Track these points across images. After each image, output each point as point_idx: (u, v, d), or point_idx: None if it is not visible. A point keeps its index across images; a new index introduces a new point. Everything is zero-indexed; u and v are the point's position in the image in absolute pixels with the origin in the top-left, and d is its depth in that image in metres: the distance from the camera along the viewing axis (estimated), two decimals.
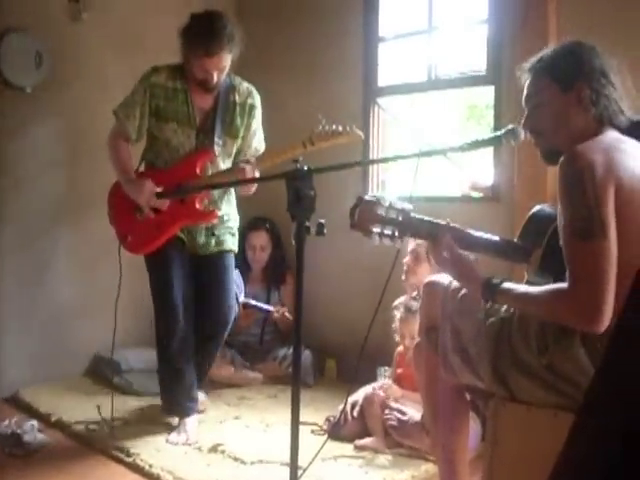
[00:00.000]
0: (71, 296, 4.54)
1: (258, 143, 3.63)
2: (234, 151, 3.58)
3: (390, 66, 4.75)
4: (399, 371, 3.62)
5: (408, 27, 4.64)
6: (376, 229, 2.21)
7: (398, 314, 3.53)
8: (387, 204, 2.21)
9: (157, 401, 3.88)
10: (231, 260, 3.72)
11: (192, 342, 3.61)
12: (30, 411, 3.87)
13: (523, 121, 2.21)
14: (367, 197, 2.26)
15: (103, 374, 4.44)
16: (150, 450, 3.33)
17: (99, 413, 3.64)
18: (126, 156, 3.52)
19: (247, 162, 3.39)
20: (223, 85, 3.47)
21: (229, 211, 3.69)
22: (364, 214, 2.22)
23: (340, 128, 3.10)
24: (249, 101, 3.55)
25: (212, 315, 3.64)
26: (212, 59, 3.28)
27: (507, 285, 2.03)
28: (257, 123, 3.61)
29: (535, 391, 2.04)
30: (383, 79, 4.70)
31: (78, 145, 4.55)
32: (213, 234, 3.61)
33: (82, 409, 3.83)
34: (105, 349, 4.47)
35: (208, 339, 3.71)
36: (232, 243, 3.70)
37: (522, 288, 2.02)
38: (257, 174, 3.38)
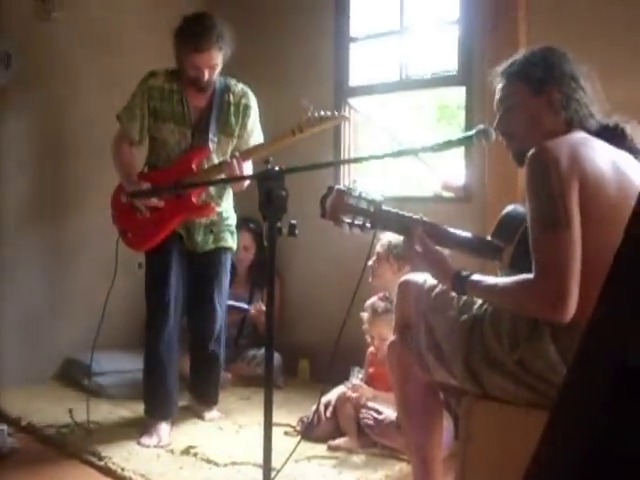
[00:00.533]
0: (41, 298, 4.49)
1: (256, 141, 3.66)
2: (230, 149, 3.61)
3: (361, 66, 4.75)
4: (371, 371, 3.62)
5: (379, 27, 4.65)
6: (347, 219, 2.22)
7: (366, 316, 3.54)
8: (358, 194, 2.23)
9: (129, 404, 3.86)
10: (227, 257, 3.77)
11: (178, 345, 3.64)
12: (0, 415, 3.82)
13: (495, 124, 2.25)
14: (338, 187, 2.27)
15: (74, 377, 4.39)
16: (122, 453, 3.29)
17: (71, 417, 3.61)
18: (128, 158, 3.62)
19: (233, 156, 3.42)
20: (218, 86, 3.57)
21: (228, 208, 3.74)
22: (335, 203, 2.23)
23: (328, 113, 3.21)
24: (243, 101, 3.62)
25: (204, 309, 3.70)
26: (202, 55, 3.37)
27: (476, 277, 2.06)
28: (253, 122, 3.66)
29: (507, 388, 2.06)
30: (354, 79, 4.71)
31: (48, 145, 4.52)
32: (211, 231, 3.66)
33: (53, 413, 3.79)
34: (76, 352, 4.45)
35: (204, 339, 3.75)
36: (231, 241, 3.76)
37: (491, 280, 2.05)
38: (248, 167, 3.44)
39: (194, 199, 3.49)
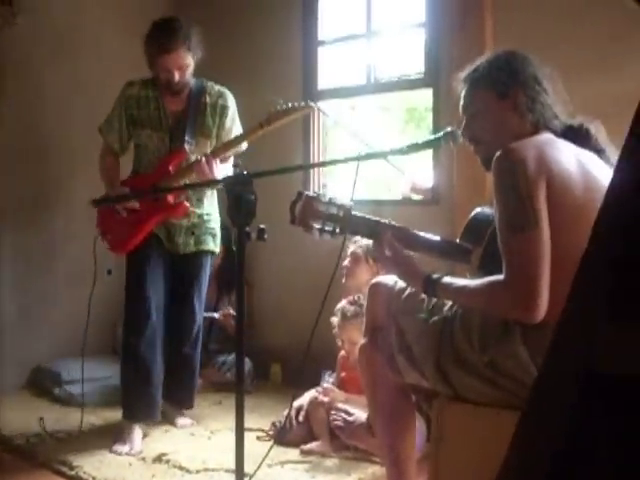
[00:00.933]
0: (10, 307, 4.43)
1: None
2: (209, 150, 3.59)
3: (330, 70, 4.76)
4: (342, 375, 3.62)
5: (347, 31, 4.66)
6: (317, 225, 2.22)
7: (336, 320, 3.54)
8: (327, 200, 2.23)
9: (100, 412, 3.84)
10: (208, 260, 3.80)
11: (160, 344, 3.64)
12: None
13: (461, 130, 2.25)
14: (307, 193, 2.27)
15: (44, 386, 4.35)
16: (93, 462, 3.27)
17: (41, 426, 3.58)
18: (110, 168, 3.68)
19: (204, 155, 3.45)
20: (194, 88, 3.62)
21: (210, 211, 3.76)
22: (304, 209, 2.23)
23: (296, 104, 3.27)
24: (220, 102, 3.66)
25: (182, 310, 3.73)
26: (170, 56, 3.42)
27: (447, 279, 2.07)
28: (232, 122, 3.69)
29: (478, 389, 2.06)
30: (323, 82, 4.71)
31: (17, 150, 4.46)
32: (193, 233, 3.68)
33: (23, 422, 3.75)
34: (46, 360, 4.40)
35: (180, 341, 3.75)
36: (213, 244, 3.78)
37: (461, 282, 2.05)
38: (220, 166, 3.45)
39: (170, 199, 3.51)
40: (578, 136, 2.16)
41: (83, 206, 3.50)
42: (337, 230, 2.24)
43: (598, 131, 2.18)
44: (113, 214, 3.54)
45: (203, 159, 3.40)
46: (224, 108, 3.65)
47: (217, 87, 3.70)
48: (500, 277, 1.90)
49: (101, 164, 3.70)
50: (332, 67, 4.77)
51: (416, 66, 4.26)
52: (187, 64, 3.48)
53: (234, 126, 3.69)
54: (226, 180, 2.18)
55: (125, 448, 3.41)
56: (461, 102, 2.26)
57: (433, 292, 2.10)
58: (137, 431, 3.54)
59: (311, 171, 4.68)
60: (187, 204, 3.54)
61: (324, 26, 4.72)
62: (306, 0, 4.71)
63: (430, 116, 4.30)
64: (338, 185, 4.88)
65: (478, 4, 3.68)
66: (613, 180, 0.95)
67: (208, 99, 3.63)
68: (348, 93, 4.71)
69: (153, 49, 3.44)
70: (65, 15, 4.62)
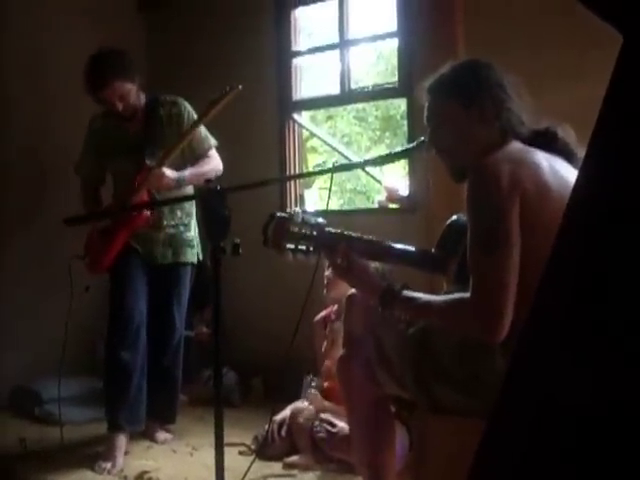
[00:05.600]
0: None
1: (202, 142, 3.71)
2: (173, 156, 3.57)
3: (305, 81, 4.76)
4: (326, 385, 3.60)
5: (321, 41, 4.67)
6: (290, 245, 2.20)
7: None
8: (300, 220, 2.21)
9: (80, 429, 3.81)
10: (186, 272, 3.82)
11: (144, 353, 3.64)
12: None
13: (427, 141, 2.22)
14: (279, 214, 2.25)
15: (24, 405, 4.31)
16: None
17: (22, 446, 3.56)
18: (89, 199, 3.78)
19: (147, 168, 3.49)
20: (148, 105, 3.68)
21: (187, 222, 3.79)
22: (277, 231, 2.21)
23: (223, 91, 3.27)
24: (174, 110, 3.69)
25: (162, 322, 3.74)
26: (104, 92, 3.49)
27: (407, 294, 2.03)
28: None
29: (458, 400, 2.05)
30: (298, 94, 4.71)
31: None
32: (170, 245, 3.72)
33: (3, 443, 3.72)
34: (24, 379, 4.35)
35: (160, 353, 3.75)
36: (190, 255, 3.80)
37: (424, 298, 2.02)
38: (168, 171, 3.48)
39: (135, 212, 3.56)
40: (546, 141, 2.12)
41: (59, 222, 3.47)
42: (311, 248, 2.22)
43: (567, 135, 2.14)
44: (93, 237, 3.62)
45: (149, 173, 3.46)
46: (179, 116, 3.67)
47: (170, 97, 3.74)
48: (465, 296, 1.88)
49: (82, 198, 3.78)
50: (307, 78, 4.77)
51: (390, 75, 4.27)
52: (126, 91, 3.52)
53: (196, 129, 3.68)
54: (200, 195, 2.16)
55: (107, 465, 3.38)
56: (425, 113, 2.22)
57: (390, 306, 2.06)
58: (122, 443, 3.52)
59: (288, 182, 4.68)
60: (147, 212, 3.55)
61: (298, 37, 4.73)
62: (280, 11, 4.71)
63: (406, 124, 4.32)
64: (315, 195, 4.88)
65: (449, 13, 3.69)
66: (572, 197, 0.95)
67: (162, 111, 3.67)
68: (323, 103, 4.72)
69: (89, 87, 3.51)
70: (35, 29, 4.59)
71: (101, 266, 3.60)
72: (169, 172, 3.49)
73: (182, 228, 3.75)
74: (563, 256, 0.92)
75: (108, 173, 3.81)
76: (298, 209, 2.24)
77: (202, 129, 3.70)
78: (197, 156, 3.68)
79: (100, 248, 3.57)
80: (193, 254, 3.81)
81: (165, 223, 3.68)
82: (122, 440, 3.53)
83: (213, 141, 3.74)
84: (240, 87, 3.24)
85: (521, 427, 0.91)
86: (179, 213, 3.73)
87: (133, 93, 3.56)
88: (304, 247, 2.21)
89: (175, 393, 3.89)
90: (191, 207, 3.81)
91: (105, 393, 3.68)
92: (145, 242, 3.67)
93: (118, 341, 3.57)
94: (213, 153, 3.73)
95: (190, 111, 3.71)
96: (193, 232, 3.82)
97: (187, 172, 3.58)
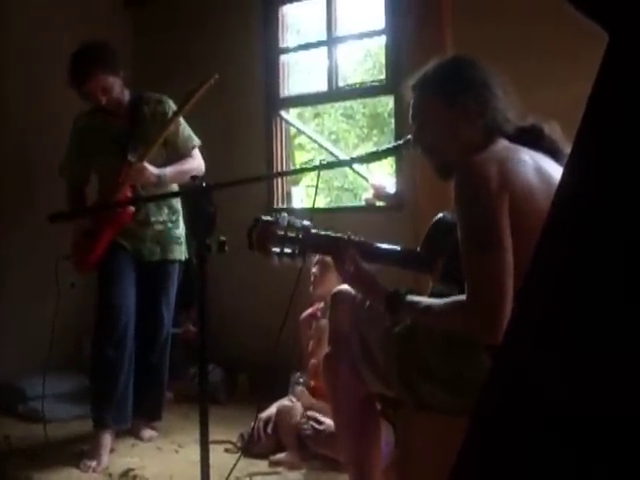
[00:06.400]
0: None
1: (186, 141, 3.72)
2: (154, 150, 3.58)
3: (292, 78, 4.76)
4: (313, 383, 3.60)
5: (309, 38, 4.67)
6: (275, 248, 2.19)
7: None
8: (285, 223, 2.20)
9: (66, 427, 3.80)
10: (175, 269, 3.84)
11: (132, 350, 3.64)
12: None
13: (412, 139, 2.21)
14: (264, 218, 2.23)
15: (8, 403, 4.27)
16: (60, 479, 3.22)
17: (6, 444, 3.54)
18: (72, 198, 3.78)
19: (128, 164, 3.50)
20: (133, 101, 3.68)
21: (174, 218, 3.79)
22: (262, 235, 2.20)
23: (200, 82, 3.32)
24: (159, 109, 3.68)
25: (149, 318, 3.74)
26: (88, 85, 3.48)
27: (411, 299, 2.03)
28: (175, 125, 3.66)
29: (443, 397, 2.05)
30: (285, 91, 4.71)
31: None
32: (158, 242, 3.72)
33: None
34: (8, 377, 4.33)
35: (147, 349, 3.75)
36: (178, 252, 3.81)
37: (425, 302, 2.01)
38: (149, 166, 3.49)
39: (119, 209, 3.56)
40: (532, 138, 2.11)
41: (43, 220, 3.46)
42: (297, 252, 2.21)
43: (553, 131, 2.12)
44: (79, 236, 3.60)
45: (130, 169, 3.47)
46: (163, 115, 3.65)
47: (155, 95, 3.73)
48: (462, 298, 1.87)
49: (66, 200, 3.77)
50: (295, 75, 4.77)
51: (377, 73, 4.28)
52: (110, 84, 3.51)
53: (180, 127, 3.70)
54: (185, 192, 2.16)
55: (93, 463, 3.37)
56: (410, 111, 2.21)
57: (396, 310, 2.06)
58: (107, 441, 3.50)
59: (275, 180, 4.68)
60: (132, 208, 3.56)
61: (286, 34, 4.72)
62: (267, 8, 4.71)
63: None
64: (303, 193, 4.87)
65: (437, 11, 3.70)
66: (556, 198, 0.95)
67: (147, 109, 3.67)
68: (311, 101, 4.72)
69: (73, 82, 3.50)
70: (26, 27, 4.58)
71: (88, 265, 3.60)
72: (150, 167, 3.50)
73: (170, 225, 3.76)
74: (547, 254, 0.92)
75: (93, 173, 3.79)
76: (285, 213, 2.23)
77: (186, 128, 3.71)
78: (180, 155, 3.68)
79: (86, 247, 3.56)
80: (181, 251, 3.82)
81: (153, 219, 3.68)
82: (107, 438, 3.51)
83: (197, 141, 3.74)
84: (217, 76, 3.26)
85: (504, 425, 0.91)
86: (166, 210, 3.74)
87: (117, 86, 3.55)
88: (290, 250, 2.20)
89: (162, 390, 3.89)
90: (178, 204, 3.81)
91: (91, 390, 3.68)
92: (133, 239, 3.67)
93: (105, 338, 3.55)
94: (196, 153, 3.74)
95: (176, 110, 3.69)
96: (181, 229, 3.82)
97: (168, 169, 3.58)
